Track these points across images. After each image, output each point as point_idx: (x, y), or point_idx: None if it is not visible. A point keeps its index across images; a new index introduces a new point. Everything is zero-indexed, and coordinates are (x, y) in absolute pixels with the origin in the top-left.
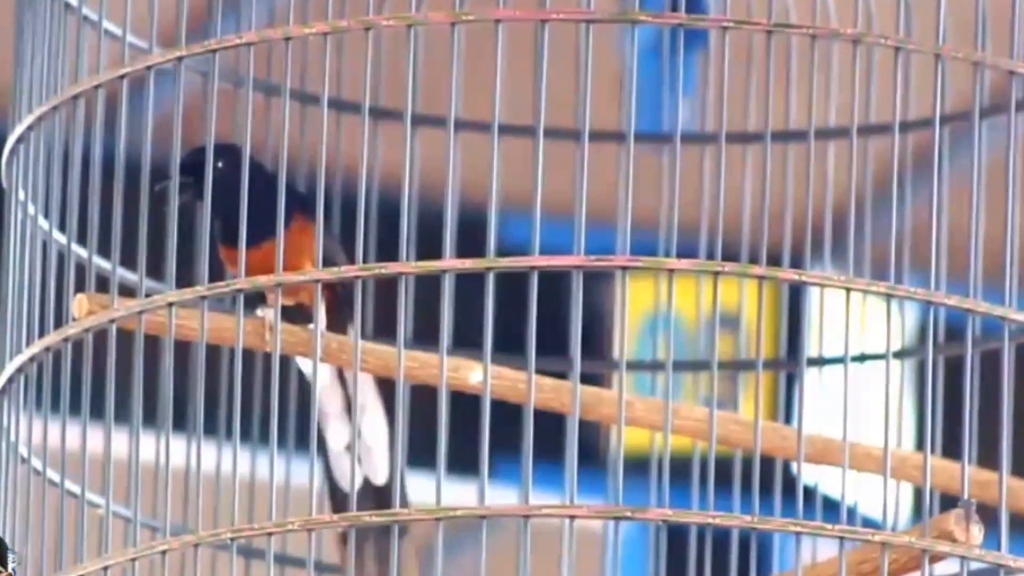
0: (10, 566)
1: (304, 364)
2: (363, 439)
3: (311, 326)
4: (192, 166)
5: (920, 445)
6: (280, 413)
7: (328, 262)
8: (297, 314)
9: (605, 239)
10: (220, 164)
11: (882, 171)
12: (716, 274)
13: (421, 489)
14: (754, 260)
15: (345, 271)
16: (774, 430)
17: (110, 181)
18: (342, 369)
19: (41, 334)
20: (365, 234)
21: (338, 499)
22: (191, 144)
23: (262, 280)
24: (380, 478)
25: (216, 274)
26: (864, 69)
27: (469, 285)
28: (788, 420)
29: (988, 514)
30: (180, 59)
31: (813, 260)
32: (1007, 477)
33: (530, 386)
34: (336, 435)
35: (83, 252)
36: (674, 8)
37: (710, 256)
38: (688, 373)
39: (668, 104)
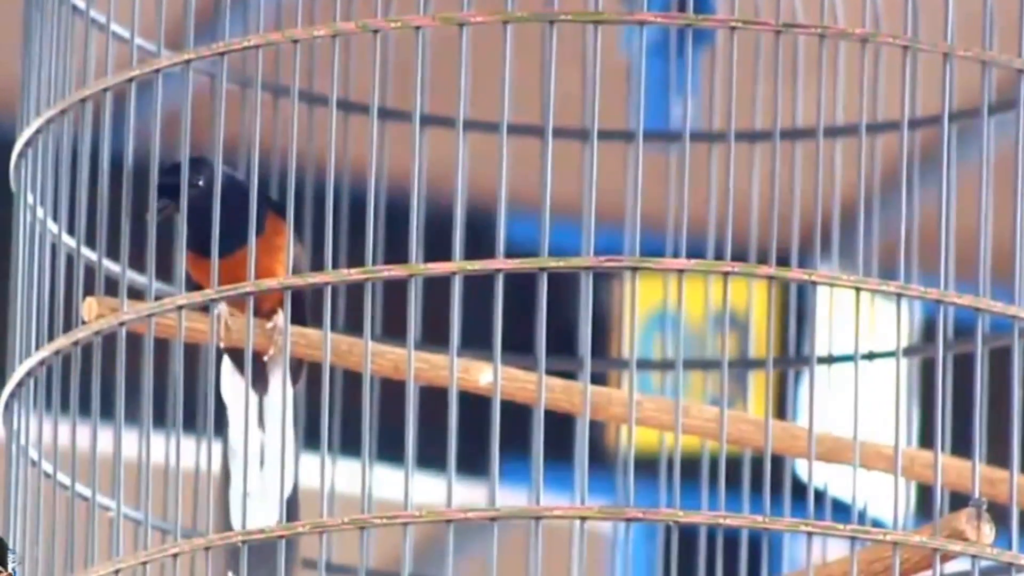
0: (10, 566)
1: (226, 390)
2: (263, 482)
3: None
4: (169, 188)
5: (926, 443)
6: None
7: (294, 269)
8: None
9: (612, 239)
10: (200, 182)
11: (890, 169)
12: (726, 274)
13: (430, 490)
14: (763, 259)
15: (356, 273)
16: (783, 429)
17: (119, 184)
18: (263, 412)
19: (51, 337)
20: (374, 235)
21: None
22: (199, 147)
23: (269, 284)
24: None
25: None
26: (872, 68)
27: (478, 286)
28: (795, 419)
29: (999, 512)
30: (188, 62)
31: (822, 258)
32: (1017, 475)
33: (540, 387)
34: (240, 478)
35: (92, 255)
36: (682, 8)
37: (718, 255)
38: (695, 372)
39: (675, 103)
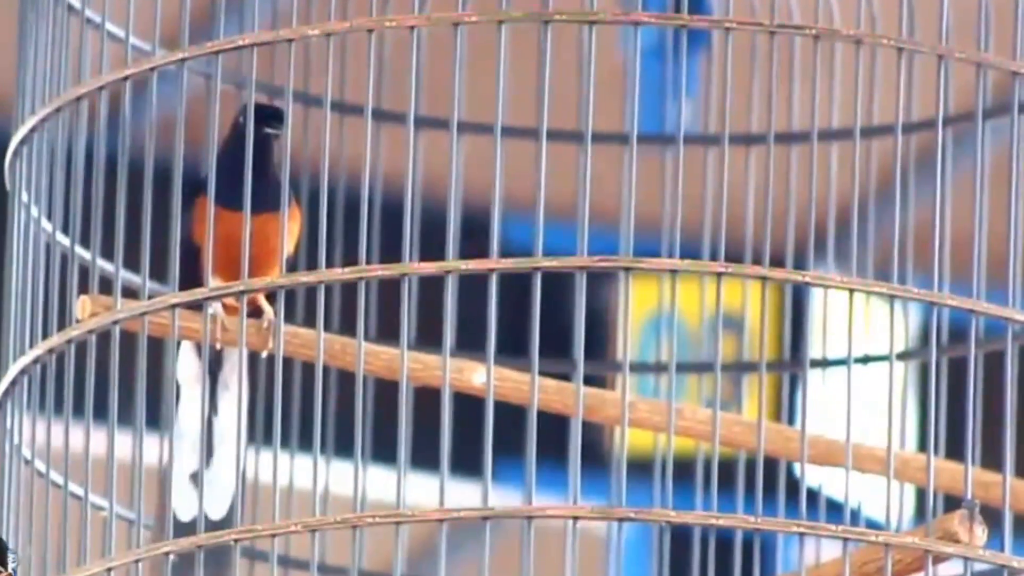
0: (10, 566)
1: (182, 372)
2: (212, 469)
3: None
4: (284, 117)
5: (923, 446)
6: (283, 415)
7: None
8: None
9: (608, 240)
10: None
11: (885, 172)
12: (719, 275)
13: (424, 490)
14: (757, 261)
15: (349, 272)
16: (777, 431)
17: (113, 183)
18: (216, 394)
19: (44, 336)
20: (368, 236)
21: (174, 526)
22: (195, 145)
23: (262, 283)
24: (217, 513)
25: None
26: (867, 70)
27: (472, 286)
28: (791, 421)
29: (991, 515)
30: (183, 61)
31: (816, 261)
32: (1010, 478)
33: (533, 387)
34: (185, 461)
35: (86, 254)
36: (677, 9)
37: (713, 257)
38: (691, 374)
39: (671, 105)
